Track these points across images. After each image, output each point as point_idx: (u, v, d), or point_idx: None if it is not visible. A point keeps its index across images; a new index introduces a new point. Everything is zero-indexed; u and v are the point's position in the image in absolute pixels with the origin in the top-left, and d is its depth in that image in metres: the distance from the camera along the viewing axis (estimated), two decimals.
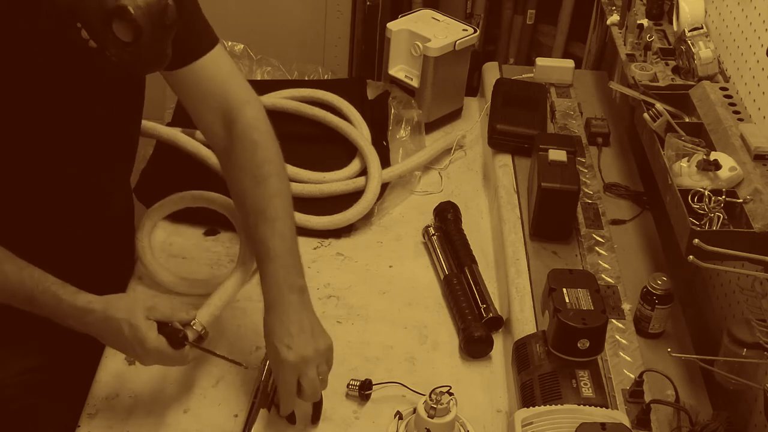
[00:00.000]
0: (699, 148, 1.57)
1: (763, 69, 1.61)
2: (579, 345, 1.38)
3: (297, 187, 1.88)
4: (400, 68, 2.17)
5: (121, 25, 1.22)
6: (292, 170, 1.90)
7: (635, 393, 1.46)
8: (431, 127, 2.16)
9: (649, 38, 1.87)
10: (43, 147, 1.40)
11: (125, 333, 1.33)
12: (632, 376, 1.49)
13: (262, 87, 2.11)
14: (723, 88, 1.69)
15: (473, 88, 2.40)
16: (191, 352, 1.40)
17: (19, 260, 1.35)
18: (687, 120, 1.69)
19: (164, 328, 1.37)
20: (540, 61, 2.27)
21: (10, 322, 1.44)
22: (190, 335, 1.40)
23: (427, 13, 2.20)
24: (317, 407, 1.45)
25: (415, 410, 1.40)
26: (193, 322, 1.41)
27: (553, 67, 2.27)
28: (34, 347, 1.39)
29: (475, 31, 2.14)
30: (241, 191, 1.47)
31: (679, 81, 1.77)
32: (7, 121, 1.34)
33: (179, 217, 1.75)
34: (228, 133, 1.50)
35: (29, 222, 1.46)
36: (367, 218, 1.87)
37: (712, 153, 1.53)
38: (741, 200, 1.45)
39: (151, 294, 1.62)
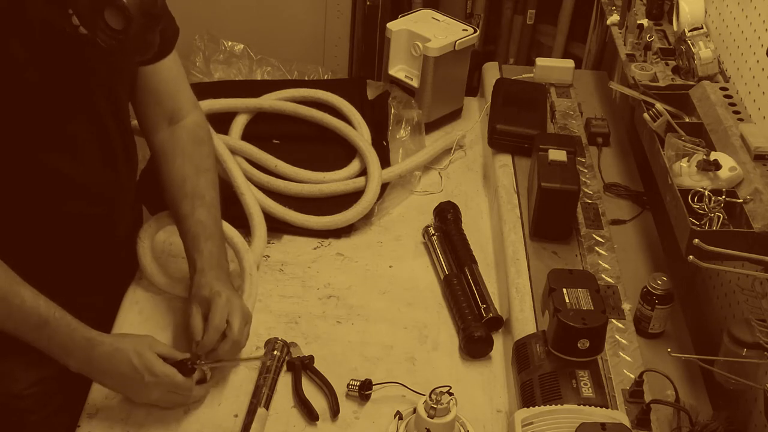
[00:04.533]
0: (699, 148, 1.57)
1: (763, 69, 1.61)
2: (579, 345, 1.38)
3: (297, 187, 1.88)
4: (400, 68, 2.17)
5: (113, 12, 1.24)
6: (292, 170, 1.90)
7: (635, 393, 1.46)
8: (431, 127, 2.16)
9: (649, 38, 1.87)
10: (40, 133, 1.40)
11: (134, 362, 1.37)
12: (632, 376, 1.49)
13: (262, 87, 2.12)
14: (723, 88, 1.69)
15: (473, 88, 2.40)
16: (199, 390, 1.44)
17: (32, 288, 1.36)
18: (687, 120, 1.69)
19: (168, 361, 1.41)
20: (540, 61, 2.27)
21: None
22: (196, 375, 1.44)
23: (427, 13, 2.20)
24: (335, 403, 1.46)
25: (415, 410, 1.40)
26: (198, 362, 1.45)
27: (553, 67, 2.27)
28: (47, 357, 1.39)
29: (475, 31, 2.14)
30: (182, 177, 1.59)
31: (679, 81, 1.77)
32: (9, 126, 1.34)
33: None
34: (170, 128, 1.62)
35: (34, 229, 1.46)
36: (367, 218, 1.87)
37: (712, 153, 1.53)
38: (741, 200, 1.45)
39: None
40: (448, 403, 1.37)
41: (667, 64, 1.81)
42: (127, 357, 1.38)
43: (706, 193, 1.45)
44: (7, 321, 1.35)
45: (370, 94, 2.19)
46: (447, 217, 1.85)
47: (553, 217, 1.77)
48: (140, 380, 1.38)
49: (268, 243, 1.79)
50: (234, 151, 1.90)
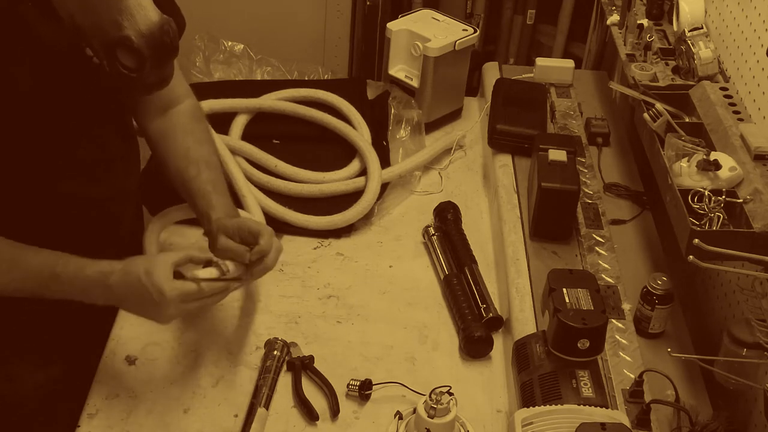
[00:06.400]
0: (699, 148, 1.57)
1: (763, 69, 1.61)
2: (579, 345, 1.38)
3: (297, 187, 1.88)
4: (400, 68, 2.17)
5: (125, 53, 1.24)
6: (292, 170, 1.90)
7: (635, 393, 1.46)
8: (431, 127, 2.16)
9: (649, 38, 1.87)
10: (50, 160, 1.41)
11: (143, 281, 1.34)
12: (632, 376, 1.49)
13: (262, 87, 2.12)
14: (723, 88, 1.69)
15: (473, 88, 2.40)
16: (207, 286, 1.40)
17: (34, 247, 1.36)
18: (687, 120, 1.69)
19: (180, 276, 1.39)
20: (540, 61, 2.27)
21: (31, 335, 1.44)
22: (214, 271, 1.42)
23: (427, 13, 2.20)
24: (335, 403, 1.46)
25: (415, 410, 1.40)
26: (216, 260, 1.43)
27: (553, 67, 2.27)
28: (52, 358, 1.40)
29: (475, 31, 2.14)
30: (185, 147, 1.58)
31: (679, 81, 1.77)
32: (14, 137, 1.35)
33: None
34: (167, 114, 1.61)
35: (35, 233, 1.46)
36: (367, 218, 1.87)
37: (712, 153, 1.53)
38: (741, 200, 1.45)
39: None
40: (448, 403, 1.37)
41: (667, 64, 1.81)
42: (137, 278, 1.35)
43: (706, 193, 1.45)
44: (25, 286, 1.36)
45: (370, 94, 2.19)
46: (447, 217, 1.85)
47: (553, 217, 1.77)
48: (152, 300, 1.35)
49: None
50: (234, 151, 1.91)
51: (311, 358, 1.55)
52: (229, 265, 1.43)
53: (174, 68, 1.34)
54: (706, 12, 1.80)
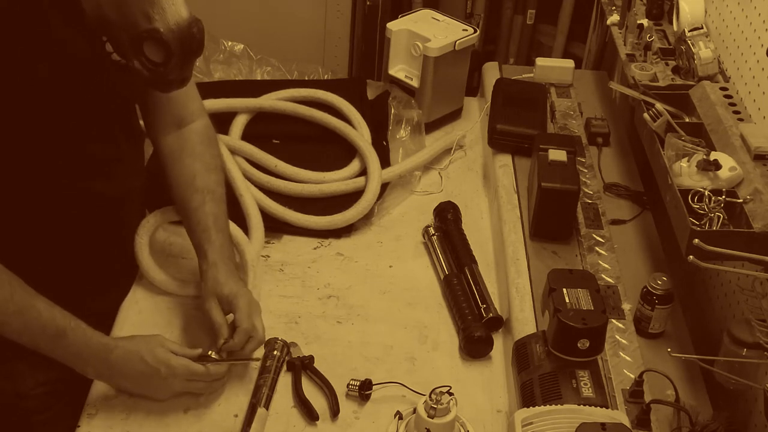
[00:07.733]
0: (699, 148, 1.57)
1: (763, 69, 1.61)
2: (579, 345, 1.38)
3: (297, 187, 1.88)
4: (400, 68, 2.17)
5: (153, 46, 1.25)
6: (292, 170, 1.90)
7: (635, 393, 1.46)
8: (431, 127, 2.16)
9: (649, 38, 1.87)
10: (54, 159, 1.41)
11: (147, 359, 1.40)
12: (632, 376, 1.49)
13: (262, 87, 2.12)
14: (723, 88, 1.69)
15: (473, 88, 2.40)
16: (212, 367, 1.45)
17: (46, 299, 1.37)
18: (687, 120, 1.69)
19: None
20: (540, 61, 2.27)
21: None
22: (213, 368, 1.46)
23: (427, 13, 2.20)
24: (335, 403, 1.47)
25: (415, 410, 1.40)
26: (210, 352, 1.47)
27: (553, 67, 2.27)
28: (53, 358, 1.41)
29: (475, 31, 2.14)
30: (192, 173, 1.59)
31: (679, 81, 1.77)
32: (19, 134, 1.35)
33: None
34: (179, 131, 1.62)
35: (41, 231, 1.47)
36: (367, 218, 1.87)
37: (712, 153, 1.53)
38: (741, 200, 1.45)
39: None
40: (448, 403, 1.37)
41: (667, 64, 1.81)
42: (140, 356, 1.40)
43: (706, 193, 1.45)
44: (24, 334, 1.36)
45: (370, 94, 2.19)
46: (447, 217, 1.85)
47: (553, 217, 1.77)
48: (158, 375, 1.41)
49: (268, 243, 1.79)
50: (234, 151, 1.91)
51: (311, 358, 1.55)
52: (213, 355, 1.47)
53: (191, 73, 1.35)
54: (706, 12, 1.80)
